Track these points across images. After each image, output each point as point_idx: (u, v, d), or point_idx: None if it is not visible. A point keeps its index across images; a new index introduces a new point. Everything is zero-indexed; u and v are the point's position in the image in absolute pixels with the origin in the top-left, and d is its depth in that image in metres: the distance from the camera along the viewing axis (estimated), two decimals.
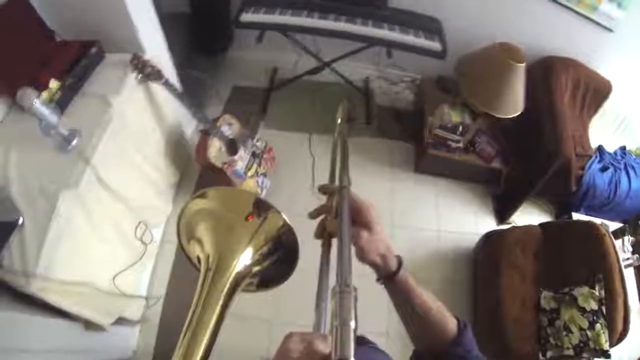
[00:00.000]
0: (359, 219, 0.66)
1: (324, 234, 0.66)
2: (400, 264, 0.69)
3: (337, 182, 0.73)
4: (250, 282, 0.60)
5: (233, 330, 1.70)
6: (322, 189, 0.73)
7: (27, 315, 1.49)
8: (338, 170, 0.75)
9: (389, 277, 0.69)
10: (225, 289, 0.54)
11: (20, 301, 1.46)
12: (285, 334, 0.47)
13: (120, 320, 1.99)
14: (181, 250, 0.64)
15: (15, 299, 1.45)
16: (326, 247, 0.64)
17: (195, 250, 0.60)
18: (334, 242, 0.61)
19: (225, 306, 0.53)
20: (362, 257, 0.66)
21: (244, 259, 0.57)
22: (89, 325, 1.78)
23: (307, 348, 0.44)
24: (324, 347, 0.43)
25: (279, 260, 0.61)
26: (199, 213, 0.60)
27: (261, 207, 0.59)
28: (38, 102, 1.52)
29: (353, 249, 0.64)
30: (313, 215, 0.71)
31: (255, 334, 2.13)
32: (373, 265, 0.69)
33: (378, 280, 0.71)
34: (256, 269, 0.59)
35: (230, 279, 0.55)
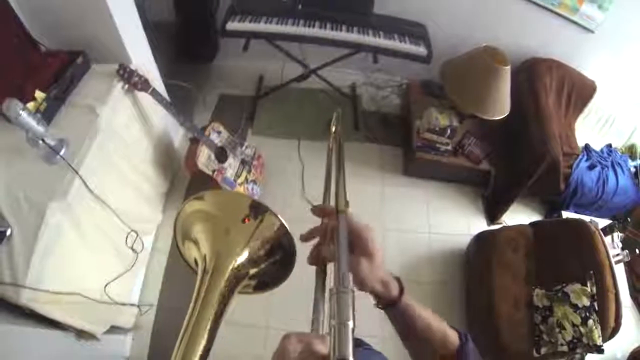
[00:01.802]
0: (359, 246, 0.62)
1: (319, 261, 0.62)
2: (401, 288, 0.66)
3: (332, 202, 0.68)
4: (248, 284, 0.60)
5: (228, 337, 1.69)
6: (316, 211, 0.68)
7: (19, 327, 1.48)
8: (333, 186, 0.70)
9: (391, 304, 0.65)
10: (223, 291, 0.54)
11: (11, 313, 1.45)
12: (282, 336, 0.46)
13: (113, 329, 1.98)
14: (178, 253, 0.64)
15: (6, 311, 1.44)
16: (321, 275, 0.60)
17: (192, 253, 0.60)
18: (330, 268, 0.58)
19: (222, 308, 0.53)
20: (363, 286, 0.62)
21: (241, 261, 0.57)
22: (82, 334, 1.77)
23: (305, 348, 0.43)
24: (322, 347, 0.43)
25: (277, 261, 0.61)
26: (196, 215, 0.60)
27: (257, 209, 0.58)
28: (24, 113, 1.51)
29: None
30: (305, 237, 0.66)
31: (251, 341, 2.14)
32: (373, 293, 0.65)
33: (377, 305, 0.67)
34: (253, 270, 0.59)
35: (228, 281, 0.55)
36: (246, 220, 0.59)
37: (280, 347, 0.45)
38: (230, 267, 0.56)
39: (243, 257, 0.57)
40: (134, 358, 2.16)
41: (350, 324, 0.41)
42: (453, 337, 0.68)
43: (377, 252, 0.62)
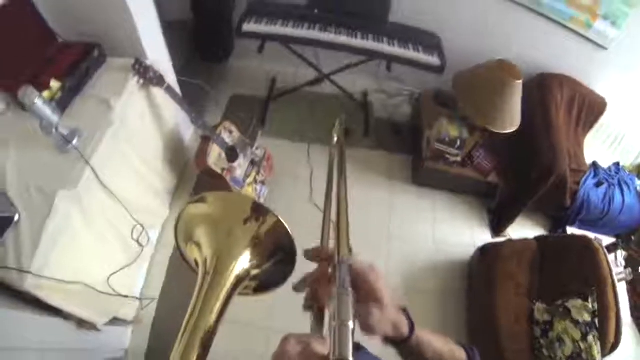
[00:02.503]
0: (366, 292, 0.56)
1: (315, 307, 0.57)
2: (411, 323, 0.62)
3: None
4: (248, 285, 0.60)
5: (230, 336, 1.69)
6: (311, 255, 0.61)
7: (20, 313, 1.47)
8: (334, 233, 0.61)
9: (401, 342, 0.62)
10: (223, 293, 0.54)
11: (13, 298, 1.45)
12: (282, 337, 0.46)
13: (113, 321, 1.98)
14: (179, 253, 0.64)
15: (7, 296, 1.44)
16: (318, 321, 0.56)
17: (193, 254, 0.60)
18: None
19: (222, 309, 0.53)
20: (373, 333, 0.57)
21: (242, 262, 0.57)
22: (82, 324, 1.76)
23: (305, 349, 0.43)
24: (321, 348, 0.43)
25: (277, 263, 0.61)
26: (198, 217, 0.60)
27: (259, 211, 0.58)
28: (39, 101, 1.52)
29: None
30: (299, 287, 0.60)
31: (252, 340, 2.13)
32: (384, 337, 0.61)
33: (385, 343, 0.63)
34: (254, 272, 0.59)
35: (229, 282, 0.55)
36: (247, 222, 0.59)
37: (280, 348, 0.45)
38: (231, 269, 0.56)
39: (243, 259, 0.57)
40: (132, 351, 2.16)
41: (351, 324, 0.41)
42: (461, 356, 0.68)
43: (386, 295, 0.57)
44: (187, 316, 0.51)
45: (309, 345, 0.44)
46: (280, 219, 0.58)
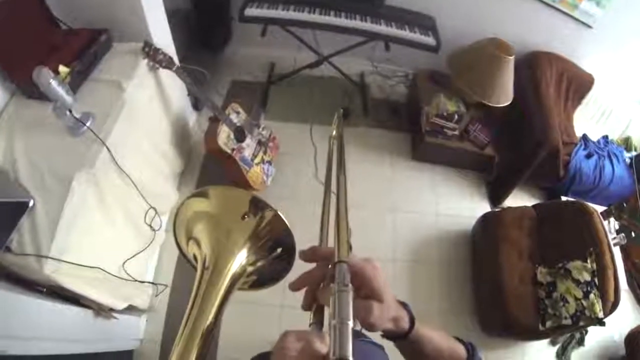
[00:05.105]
0: (366, 288, 0.54)
1: (314, 307, 0.56)
2: (411, 317, 0.62)
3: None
4: (246, 281, 0.60)
5: (242, 315, 1.66)
6: (307, 256, 0.59)
7: (38, 301, 1.44)
8: (335, 237, 0.58)
9: (401, 336, 0.62)
10: (222, 290, 0.54)
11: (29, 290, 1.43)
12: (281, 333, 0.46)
13: (128, 310, 1.98)
14: (177, 247, 0.64)
15: (24, 287, 1.41)
16: (318, 322, 0.54)
17: (191, 249, 0.60)
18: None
19: (221, 306, 0.53)
20: (374, 329, 0.55)
21: (240, 259, 0.57)
22: (100, 311, 1.73)
23: (305, 347, 0.43)
24: (321, 346, 0.42)
25: (276, 258, 0.61)
26: (195, 212, 0.60)
27: (257, 205, 0.58)
28: (55, 82, 1.51)
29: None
30: (296, 287, 0.58)
31: (265, 319, 2.07)
32: (384, 332, 0.61)
33: (384, 337, 0.63)
34: (251, 268, 0.59)
35: (227, 280, 0.55)
36: (246, 217, 0.58)
37: (279, 344, 0.44)
38: (229, 266, 0.56)
39: (242, 255, 0.57)
40: (147, 340, 2.15)
41: (351, 323, 0.41)
42: (461, 352, 0.68)
43: (386, 290, 0.55)
44: (186, 313, 0.51)
45: (309, 342, 0.43)
46: (280, 213, 0.57)
